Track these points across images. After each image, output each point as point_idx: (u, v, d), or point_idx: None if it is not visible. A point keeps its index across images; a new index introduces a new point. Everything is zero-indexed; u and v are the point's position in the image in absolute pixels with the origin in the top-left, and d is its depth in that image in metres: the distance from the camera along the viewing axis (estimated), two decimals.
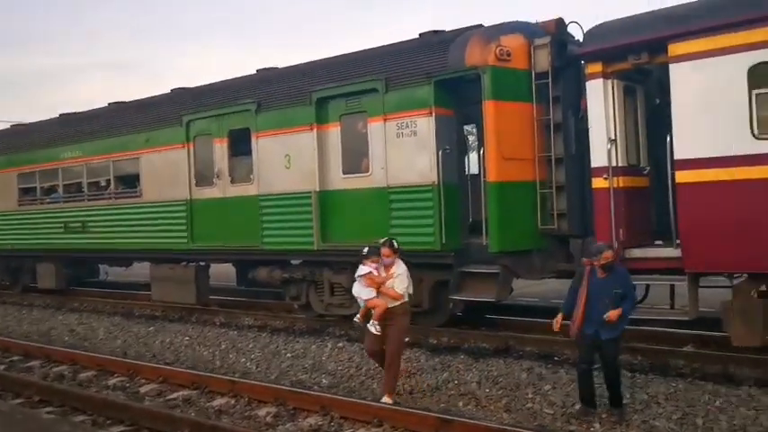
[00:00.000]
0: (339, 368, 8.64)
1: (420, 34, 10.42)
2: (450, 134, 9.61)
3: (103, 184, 14.79)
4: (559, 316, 6.74)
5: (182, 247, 12.85)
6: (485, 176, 9.25)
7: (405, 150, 9.65)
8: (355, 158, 10.42)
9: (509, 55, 9.04)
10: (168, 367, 8.92)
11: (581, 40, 9.06)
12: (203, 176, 12.52)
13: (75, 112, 16.70)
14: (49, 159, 15.69)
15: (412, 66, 9.75)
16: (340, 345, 9.54)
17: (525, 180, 9.22)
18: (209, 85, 13.45)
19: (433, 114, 9.35)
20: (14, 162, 16.69)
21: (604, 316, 6.25)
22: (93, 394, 7.88)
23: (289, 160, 11.05)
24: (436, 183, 9.31)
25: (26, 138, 17.01)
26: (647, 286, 8.34)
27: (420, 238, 9.48)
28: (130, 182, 14.10)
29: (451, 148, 9.56)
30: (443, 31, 10.20)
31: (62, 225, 15.25)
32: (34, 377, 8.97)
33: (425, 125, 9.43)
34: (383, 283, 7.14)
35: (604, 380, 6.60)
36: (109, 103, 15.72)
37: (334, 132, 10.61)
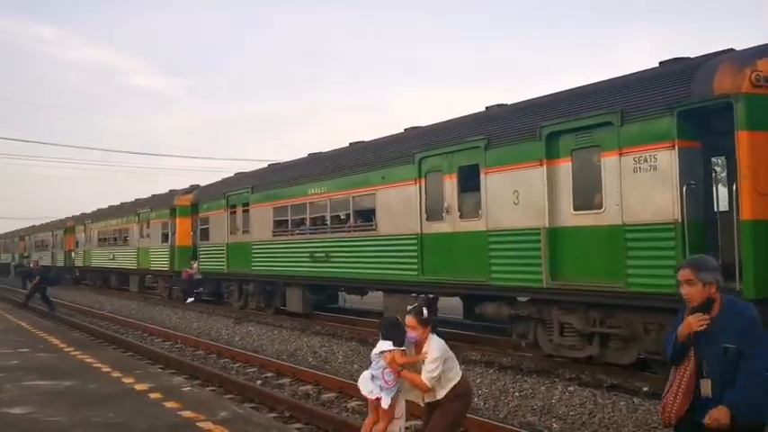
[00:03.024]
0: (570, 413, 8.31)
1: (660, 62, 9.83)
2: (695, 168, 8.88)
3: (343, 217, 16.04)
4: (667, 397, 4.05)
5: (412, 279, 13.39)
6: (737, 214, 8.36)
7: (643, 186, 9.12)
8: (587, 194, 10.07)
9: (767, 81, 8.14)
10: None
11: None
12: (433, 211, 12.98)
13: (320, 152, 18.42)
14: (299, 195, 17.45)
15: (651, 96, 9.22)
16: (571, 389, 9.19)
17: None
18: (440, 123, 13.99)
19: (676, 147, 8.73)
20: (270, 197, 18.83)
21: (706, 418, 3.79)
22: (335, 415, 8.47)
23: (517, 196, 11.03)
24: (679, 220, 8.63)
25: (280, 175, 19.14)
26: None
27: (660, 281, 8.82)
28: (367, 216, 15.11)
29: (697, 183, 8.82)
30: (687, 58, 9.52)
31: (308, 254, 16.80)
32: (285, 394, 9.91)
33: (667, 159, 8.82)
34: (409, 363, 5.15)
35: None
36: (350, 143, 17.10)
37: (564, 168, 10.39)
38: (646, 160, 9.07)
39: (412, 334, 5.13)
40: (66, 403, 7.69)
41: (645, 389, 8.90)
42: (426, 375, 5.01)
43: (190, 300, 24.55)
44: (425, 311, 5.16)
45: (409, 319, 5.14)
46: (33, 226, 57.17)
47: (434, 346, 5.07)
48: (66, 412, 7.25)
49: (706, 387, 3.90)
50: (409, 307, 5.40)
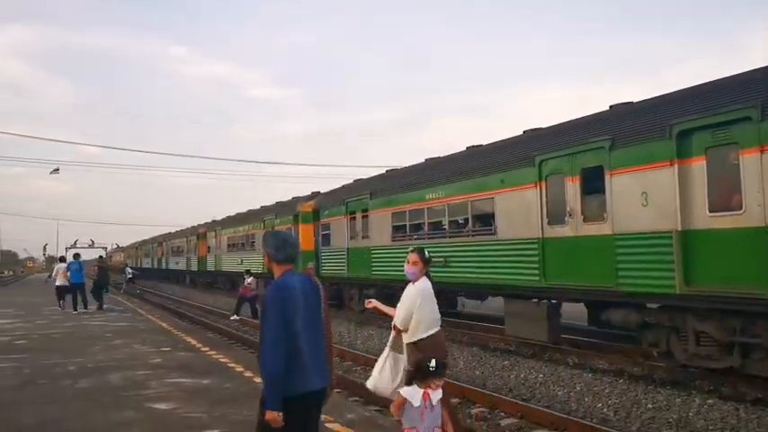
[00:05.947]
0: (710, 427, 7.82)
1: None
2: None
3: (462, 222, 15.98)
4: None
5: (534, 285, 13.12)
6: None
7: None
8: (724, 195, 9.45)
9: None
10: (526, 404, 9.14)
11: None
12: (555, 215, 12.66)
13: (436, 157, 18.48)
14: (417, 200, 17.58)
15: None
16: (710, 401, 8.65)
17: None
18: (561, 124, 13.63)
19: None
20: (389, 202, 19.12)
21: None
22: (459, 420, 8.47)
23: (646, 198, 10.54)
24: None
25: (398, 181, 19.39)
26: None
27: None
28: (486, 220, 14.97)
29: None
30: None
31: None
32: None
33: None
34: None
35: None
36: (467, 147, 17.03)
37: (697, 167, 9.80)
38: None
39: (411, 269, 5.94)
40: (206, 400, 8.20)
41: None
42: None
43: (234, 317, 23.63)
44: (427, 252, 6.01)
45: (411, 255, 5.96)
46: (170, 233, 61.41)
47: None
48: (206, 409, 7.74)
49: None
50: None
